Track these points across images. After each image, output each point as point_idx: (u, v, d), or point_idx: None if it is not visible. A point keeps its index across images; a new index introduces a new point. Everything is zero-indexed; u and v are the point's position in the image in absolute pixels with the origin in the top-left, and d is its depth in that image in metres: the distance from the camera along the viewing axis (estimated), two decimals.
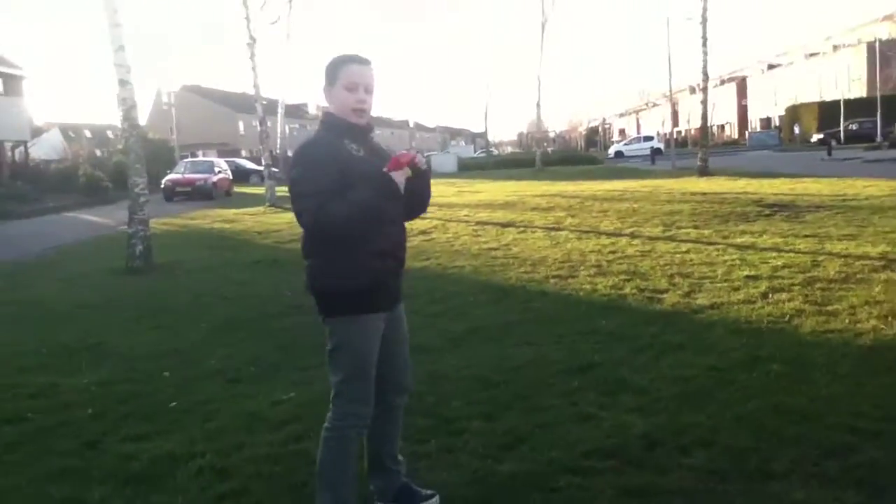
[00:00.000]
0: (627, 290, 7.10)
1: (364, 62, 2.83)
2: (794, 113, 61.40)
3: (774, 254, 8.57)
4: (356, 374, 2.84)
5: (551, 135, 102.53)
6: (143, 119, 59.43)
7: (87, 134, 66.40)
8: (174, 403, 4.55)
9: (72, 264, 11.25)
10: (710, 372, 4.60)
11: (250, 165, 45.45)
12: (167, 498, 3.31)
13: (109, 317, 7.27)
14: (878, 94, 47.97)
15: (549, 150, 64.06)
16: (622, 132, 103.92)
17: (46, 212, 24.75)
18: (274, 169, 25.38)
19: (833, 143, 39.21)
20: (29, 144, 38.58)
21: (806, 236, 9.70)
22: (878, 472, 3.17)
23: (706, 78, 26.84)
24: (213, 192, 27.71)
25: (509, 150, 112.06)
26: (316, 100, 64.75)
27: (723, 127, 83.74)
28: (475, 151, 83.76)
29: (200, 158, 40.00)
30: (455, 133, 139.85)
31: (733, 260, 8.33)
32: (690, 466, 3.33)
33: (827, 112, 54.52)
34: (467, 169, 45.56)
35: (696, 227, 11.21)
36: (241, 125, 72.03)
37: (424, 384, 4.38)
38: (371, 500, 3.09)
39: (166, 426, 4.18)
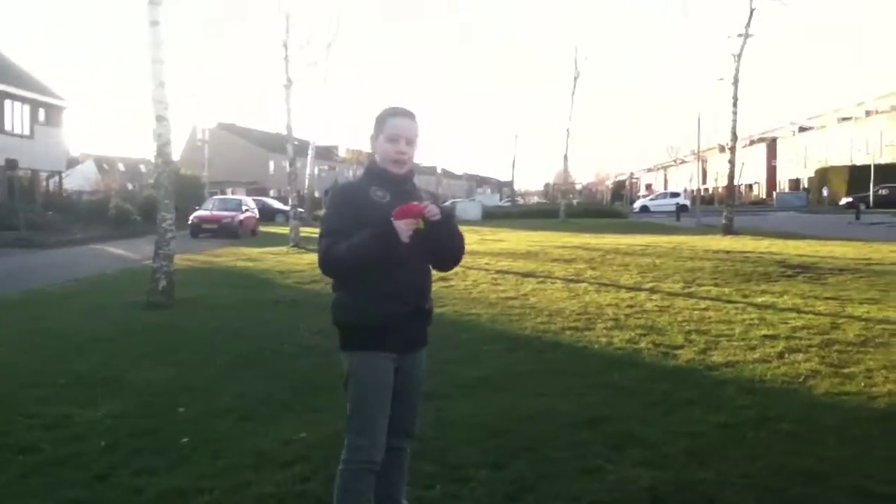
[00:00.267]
0: (643, 345, 7.09)
1: (408, 115, 2.99)
2: (823, 175, 61.19)
3: (794, 314, 8.52)
4: (359, 408, 2.95)
5: (578, 186, 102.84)
6: (176, 154, 60.57)
7: (121, 167, 67.86)
8: (186, 439, 4.59)
9: (94, 296, 11.41)
10: (720, 429, 4.58)
11: (277, 205, 46.01)
12: None
13: (128, 350, 7.36)
14: None
15: (575, 201, 64.14)
16: (649, 187, 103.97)
17: (74, 243, 25.14)
18: (300, 209, 25.70)
19: (862, 206, 38.96)
20: (63, 175, 39.40)
21: (827, 298, 9.64)
22: None
23: (735, 138, 26.92)
24: (239, 231, 28.00)
25: (535, 199, 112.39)
26: (346, 143, 65.69)
27: (751, 186, 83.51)
28: (500, 200, 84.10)
29: (229, 196, 40.52)
30: (482, 181, 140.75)
31: (752, 319, 8.29)
32: None
33: (857, 176, 54.32)
34: (492, 217, 45.76)
35: (716, 285, 11.18)
36: (271, 165, 73.14)
37: (433, 430, 4.40)
38: None
39: (177, 461, 4.22)
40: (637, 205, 63.45)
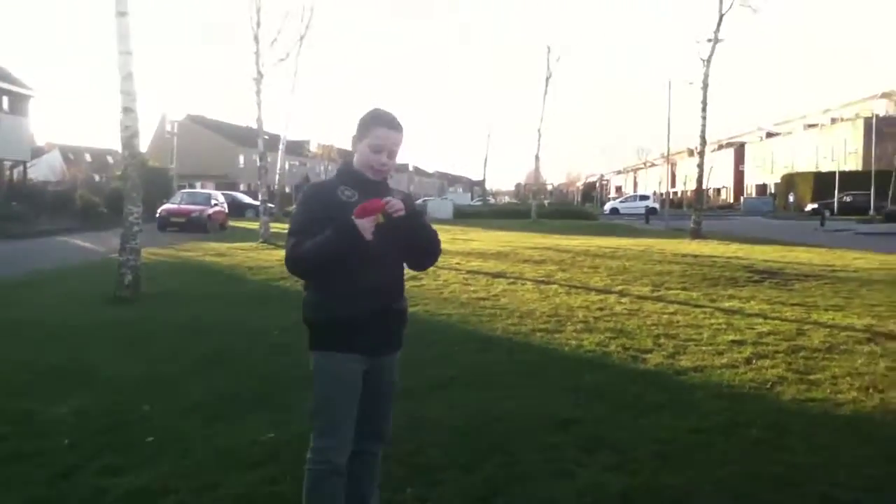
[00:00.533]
0: (612, 348, 7.12)
1: (395, 127, 2.94)
2: (789, 181, 62.19)
3: (761, 320, 8.62)
4: (324, 409, 2.93)
5: (549, 187, 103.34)
6: (144, 145, 59.63)
7: (87, 157, 66.78)
8: (151, 438, 4.52)
9: (58, 289, 11.21)
10: (690, 434, 4.61)
11: (247, 199, 45.59)
12: None
13: (92, 345, 7.23)
14: (873, 169, 48.71)
15: (546, 202, 64.46)
16: (619, 189, 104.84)
17: (39, 234, 24.72)
18: (270, 205, 25.47)
19: (827, 213, 39.62)
20: (28, 165, 38.67)
21: (793, 304, 9.76)
22: None
23: (704, 142, 27.20)
24: (208, 225, 27.70)
25: (506, 199, 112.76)
26: (318, 138, 65.23)
27: (719, 191, 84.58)
28: (472, 199, 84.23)
29: (198, 190, 40.06)
30: (453, 180, 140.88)
31: (719, 324, 8.37)
32: None
33: (822, 182, 55.30)
34: (463, 216, 45.78)
35: (684, 289, 11.28)
36: (241, 158, 72.44)
37: (404, 430, 4.37)
38: None
39: (142, 460, 4.14)
40: (607, 207, 64.03)
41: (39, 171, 41.80)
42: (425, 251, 3.07)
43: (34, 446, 4.34)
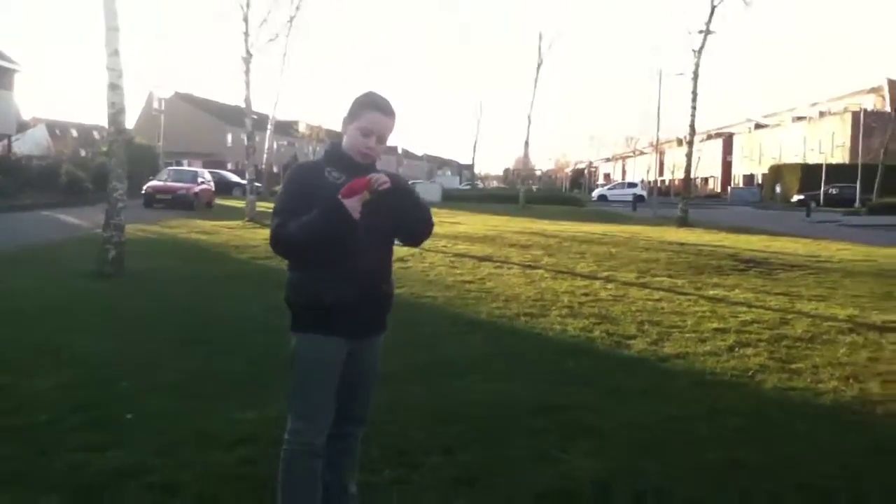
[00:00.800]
0: (597, 334, 7.12)
1: (387, 112, 2.88)
2: (777, 172, 62.45)
3: (744, 308, 8.64)
4: (302, 391, 2.89)
5: (537, 173, 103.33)
6: (131, 122, 59.20)
7: (74, 133, 66.06)
8: (130, 415, 4.48)
9: (41, 264, 11.11)
10: (671, 421, 4.61)
11: (234, 178, 45.35)
12: None
13: (73, 321, 7.16)
14: (860, 162, 48.98)
15: (534, 187, 64.46)
16: (607, 177, 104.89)
17: (23, 208, 24.49)
18: (257, 184, 25.31)
19: (813, 204, 39.83)
20: (13, 139, 38.25)
21: (777, 294, 9.80)
22: None
23: (693, 132, 27.25)
24: (195, 203, 27.51)
25: (495, 184, 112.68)
26: (306, 118, 64.68)
27: (706, 180, 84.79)
28: (460, 183, 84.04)
29: (185, 167, 39.76)
30: (442, 163, 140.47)
31: (703, 311, 8.39)
32: None
33: (809, 174, 55.59)
34: (452, 200, 45.66)
35: (670, 277, 11.30)
36: (229, 137, 71.92)
37: (385, 413, 4.34)
38: None
39: (120, 438, 4.10)
40: (595, 194, 64.08)
41: (25, 146, 41.39)
42: (416, 224, 3.00)
43: (11, 422, 4.29)
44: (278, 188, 2.91)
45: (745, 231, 22.41)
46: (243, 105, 23.59)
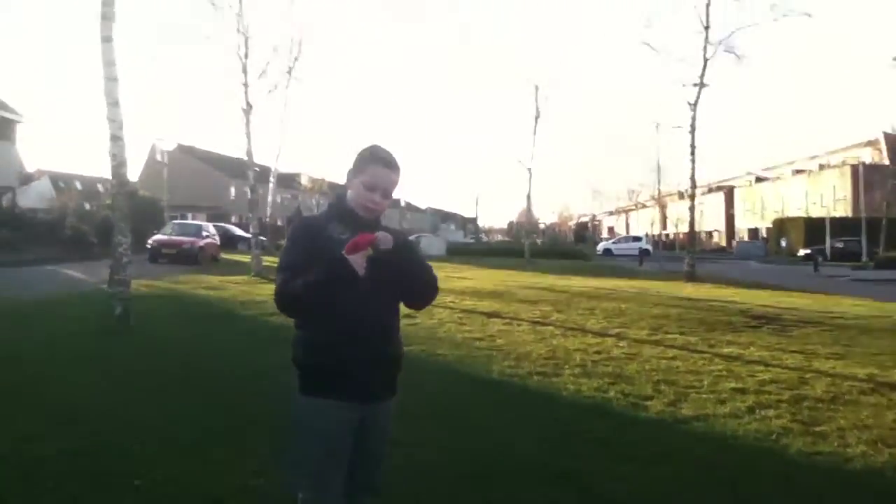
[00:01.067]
0: (612, 394, 6.94)
1: (391, 167, 2.83)
2: (781, 226, 62.54)
3: (761, 367, 8.47)
4: (305, 460, 2.77)
5: (541, 226, 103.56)
6: (135, 174, 59.59)
7: (78, 185, 66.59)
8: (138, 482, 4.31)
9: (45, 320, 10.97)
10: (694, 489, 4.43)
11: (238, 232, 45.41)
12: None
13: (78, 379, 7.01)
14: (863, 216, 49.06)
15: (539, 241, 64.51)
16: (611, 230, 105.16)
17: (27, 263, 24.43)
18: (262, 237, 25.29)
19: (820, 259, 39.72)
20: (17, 191, 38.41)
21: (793, 351, 9.63)
22: None
23: (694, 185, 27.31)
24: (199, 257, 27.45)
25: (499, 237, 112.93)
26: (308, 171, 65.13)
27: (710, 234, 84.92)
28: (465, 236, 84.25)
29: (190, 221, 39.85)
30: (446, 216, 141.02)
31: (720, 370, 8.22)
32: None
33: (812, 228, 55.69)
34: (456, 253, 45.71)
35: (682, 334, 11.13)
36: (232, 190, 72.32)
37: (398, 478, 4.18)
38: None
39: None
40: (600, 247, 64.12)
41: (29, 199, 41.52)
42: (420, 287, 2.91)
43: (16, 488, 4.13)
44: (283, 242, 2.85)
45: (755, 286, 22.26)
46: (245, 157, 23.67)
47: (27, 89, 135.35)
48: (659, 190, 40.92)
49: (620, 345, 9.94)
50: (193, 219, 47.98)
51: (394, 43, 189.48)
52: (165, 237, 28.65)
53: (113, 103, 10.43)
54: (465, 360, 8.62)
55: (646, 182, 65.54)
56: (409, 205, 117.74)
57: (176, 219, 39.34)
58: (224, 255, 31.85)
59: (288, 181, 63.07)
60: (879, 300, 17.91)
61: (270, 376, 7.16)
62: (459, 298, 15.49)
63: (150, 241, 28.00)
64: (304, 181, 66.12)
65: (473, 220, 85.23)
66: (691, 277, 25.02)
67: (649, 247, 56.84)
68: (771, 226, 66.18)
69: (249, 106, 22.78)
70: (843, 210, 58.53)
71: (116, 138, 10.46)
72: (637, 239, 61.68)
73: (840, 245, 50.50)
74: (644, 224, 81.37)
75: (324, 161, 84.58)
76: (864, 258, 43.66)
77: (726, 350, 9.68)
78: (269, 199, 35.10)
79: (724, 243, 79.88)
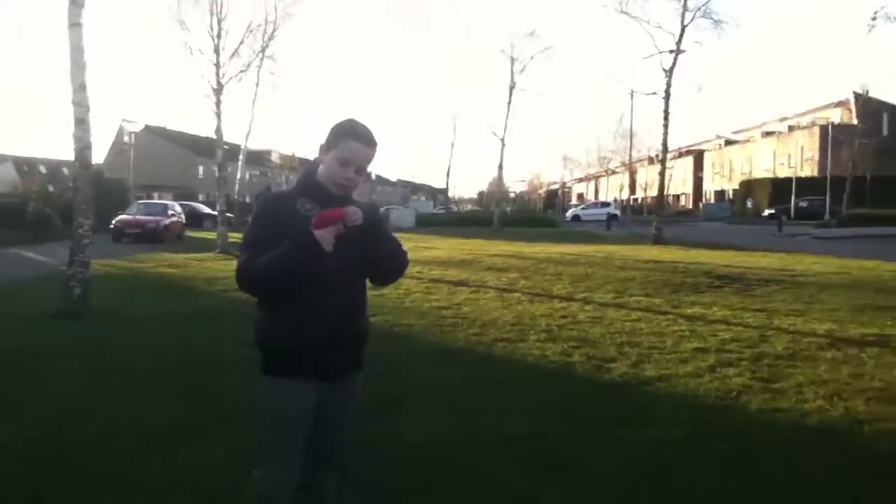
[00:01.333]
0: (576, 358, 6.96)
1: (367, 142, 2.67)
2: (747, 187, 63.14)
3: (723, 326, 8.54)
4: (268, 439, 2.75)
5: (511, 195, 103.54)
6: (101, 156, 58.60)
7: (42, 169, 65.20)
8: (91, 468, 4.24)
9: (1, 304, 10.77)
10: (656, 449, 4.45)
11: (205, 210, 44.94)
12: None
13: (31, 364, 6.87)
14: (829, 175, 49.67)
15: (508, 209, 64.56)
16: (581, 197, 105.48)
17: None
18: (228, 214, 25.03)
19: (784, 218, 40.18)
20: None
21: (755, 310, 9.73)
22: None
23: (665, 150, 27.41)
24: (164, 236, 27.22)
25: (469, 207, 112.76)
26: (279, 147, 64.33)
27: (678, 197, 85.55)
28: (435, 207, 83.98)
29: (155, 200, 39.35)
30: (416, 188, 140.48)
31: (682, 331, 8.28)
32: None
33: (779, 188, 56.27)
34: (427, 224, 45.57)
35: (647, 296, 11.20)
36: (200, 169, 71.48)
37: (360, 451, 4.15)
38: None
39: (85, 494, 3.87)
40: (568, 214, 64.30)
41: None
42: (388, 265, 2.80)
43: None
44: (250, 218, 2.72)
45: (719, 247, 22.44)
46: (214, 136, 23.36)
47: None
48: (630, 156, 40.97)
49: (586, 309, 9.98)
50: (160, 198, 47.36)
51: (365, 13, 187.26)
52: (130, 217, 28.36)
53: (79, 87, 10.18)
54: (430, 329, 8.60)
55: (617, 149, 65.66)
56: (378, 177, 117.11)
57: (142, 199, 38.81)
58: (190, 234, 31.50)
59: (258, 158, 62.40)
60: (840, 257, 18.16)
61: (232, 356, 7.08)
62: (427, 268, 15.46)
63: (114, 222, 27.65)
64: (274, 158, 65.43)
65: (444, 191, 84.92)
66: (658, 240, 25.18)
67: (617, 212, 57.13)
68: (738, 187, 66.80)
69: (220, 85, 22.57)
70: (809, 170, 59.20)
71: (81, 122, 10.21)
72: (605, 204, 61.93)
73: (804, 204, 51.16)
74: (614, 190, 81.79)
75: (294, 136, 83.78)
76: (827, 216, 44.25)
77: (690, 311, 9.76)
78: (238, 175, 34.67)
79: (691, 206, 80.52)
